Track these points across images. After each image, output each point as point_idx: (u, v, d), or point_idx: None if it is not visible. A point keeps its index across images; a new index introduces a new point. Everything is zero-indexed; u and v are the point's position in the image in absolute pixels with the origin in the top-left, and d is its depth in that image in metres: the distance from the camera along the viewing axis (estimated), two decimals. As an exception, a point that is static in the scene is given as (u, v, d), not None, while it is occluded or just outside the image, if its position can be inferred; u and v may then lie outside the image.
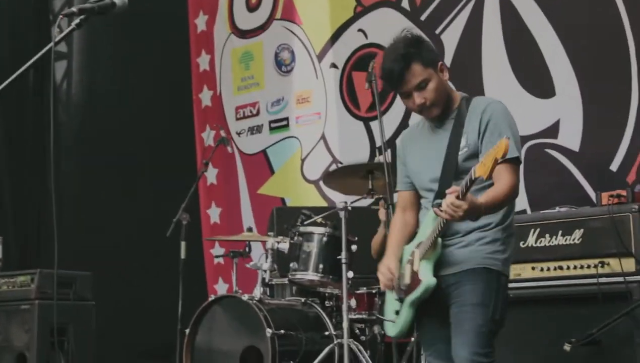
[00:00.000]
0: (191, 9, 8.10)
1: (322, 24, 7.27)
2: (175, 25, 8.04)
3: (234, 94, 7.78)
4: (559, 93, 5.79)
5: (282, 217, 5.92)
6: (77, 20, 2.97)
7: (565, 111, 5.72)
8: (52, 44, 2.98)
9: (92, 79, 8.17)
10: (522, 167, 3.44)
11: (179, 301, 5.74)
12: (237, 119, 7.73)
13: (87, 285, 6.16)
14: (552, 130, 5.73)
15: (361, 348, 4.77)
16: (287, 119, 7.41)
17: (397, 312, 3.52)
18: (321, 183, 7.01)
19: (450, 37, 6.34)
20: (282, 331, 4.80)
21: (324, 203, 6.84)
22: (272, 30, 7.58)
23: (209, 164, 6.43)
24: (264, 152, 7.52)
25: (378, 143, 6.70)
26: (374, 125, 6.75)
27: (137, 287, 7.24)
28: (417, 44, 3.44)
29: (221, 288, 7.38)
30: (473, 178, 3.07)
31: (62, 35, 3.08)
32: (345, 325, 4.66)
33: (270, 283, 5.23)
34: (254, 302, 4.89)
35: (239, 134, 7.69)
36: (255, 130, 7.59)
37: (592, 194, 5.41)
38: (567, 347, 4.19)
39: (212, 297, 5.12)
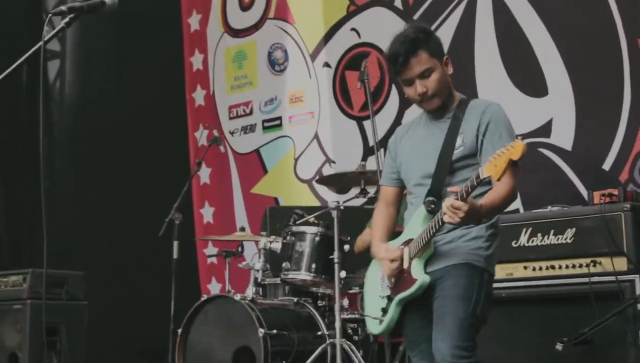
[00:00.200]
0: (184, 8, 8.10)
1: (315, 23, 7.27)
2: (168, 24, 8.03)
3: (227, 93, 7.78)
4: (551, 92, 5.79)
5: (275, 217, 5.92)
6: (66, 19, 2.97)
7: (557, 110, 5.73)
8: (42, 42, 2.98)
9: (85, 78, 8.15)
10: (515, 166, 3.44)
11: (171, 301, 5.73)
12: (231, 118, 7.73)
13: (80, 284, 6.15)
14: (545, 129, 5.73)
15: (354, 348, 4.76)
16: (280, 118, 7.41)
17: (384, 310, 3.51)
18: (314, 182, 7.01)
19: (443, 36, 6.14)
20: (275, 331, 4.79)
21: (317, 203, 6.85)
22: (265, 29, 7.57)
23: (202, 163, 6.43)
24: (257, 151, 7.52)
25: (371, 142, 6.70)
26: (367, 124, 6.75)
27: (129, 286, 7.23)
28: (426, 33, 3.48)
29: (214, 288, 7.38)
30: (482, 177, 3.06)
31: (51, 33, 3.09)
32: (337, 325, 4.64)
33: (262, 283, 5.21)
34: (247, 301, 4.88)
35: (232, 133, 7.68)
36: (249, 129, 7.59)
37: (584, 193, 5.40)
38: (559, 346, 4.19)
39: (204, 297, 5.10)
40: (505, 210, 3.53)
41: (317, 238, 4.98)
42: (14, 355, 5.78)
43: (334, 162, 7.00)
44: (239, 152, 7.62)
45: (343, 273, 4.74)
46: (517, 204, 5.60)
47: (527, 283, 4.52)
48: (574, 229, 4.41)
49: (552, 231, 4.47)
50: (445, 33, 6.31)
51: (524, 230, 4.55)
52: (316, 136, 7.15)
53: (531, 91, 5.88)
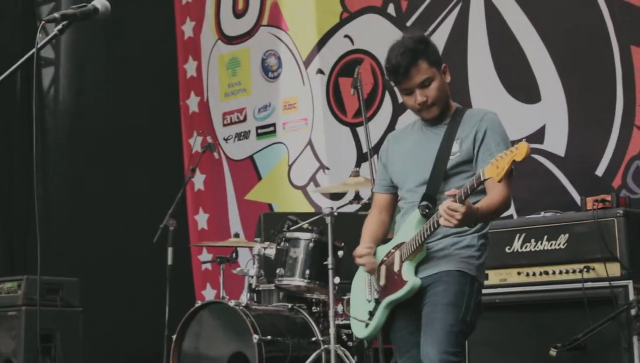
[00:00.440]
0: (178, 15, 8.11)
1: (308, 30, 7.29)
2: (162, 31, 8.05)
3: (221, 100, 7.79)
4: (544, 98, 5.82)
5: (270, 223, 5.92)
6: (60, 26, 2.97)
7: (550, 116, 5.75)
8: (35, 49, 2.98)
9: (80, 85, 8.16)
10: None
11: (166, 307, 5.73)
12: (224, 125, 7.74)
13: (75, 291, 6.15)
14: (538, 135, 5.75)
15: (348, 354, 4.77)
16: (274, 125, 7.42)
17: (371, 313, 3.51)
18: (308, 189, 7.02)
19: (436, 43, 6.29)
20: (269, 337, 4.79)
21: (311, 209, 6.85)
22: (259, 36, 7.59)
23: (195, 169, 6.44)
24: (251, 158, 7.52)
25: (365, 149, 6.71)
26: (361, 130, 6.76)
27: (124, 293, 7.23)
28: (425, 42, 3.49)
29: (209, 294, 7.38)
30: (482, 179, 3.09)
31: (45, 40, 3.08)
32: (332, 330, 4.66)
33: (257, 289, 5.22)
34: (241, 307, 4.89)
35: (226, 140, 7.69)
36: (243, 136, 7.60)
37: (577, 199, 5.41)
38: (552, 352, 4.20)
39: (199, 303, 5.11)
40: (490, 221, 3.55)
41: (311, 244, 4.99)
42: (9, 361, 5.78)
43: (327, 169, 7.01)
44: (233, 159, 7.63)
45: (337, 279, 4.76)
46: (510, 210, 5.59)
47: (520, 288, 4.52)
48: (567, 235, 4.41)
49: (545, 237, 4.47)
50: (438, 40, 6.31)
51: (518, 235, 4.55)
52: (310, 143, 7.16)
53: (524, 98, 5.90)
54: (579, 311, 4.24)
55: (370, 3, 6.85)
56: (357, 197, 5.29)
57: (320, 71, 7.16)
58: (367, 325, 3.54)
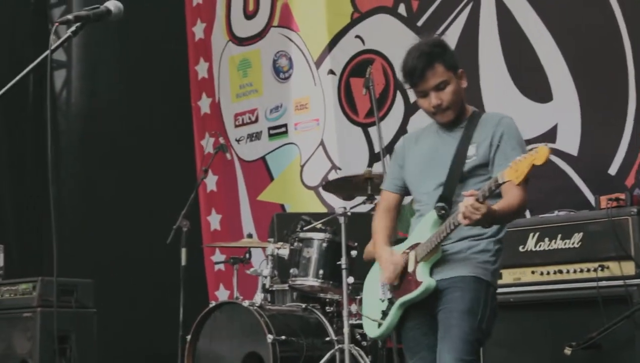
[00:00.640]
0: (189, 17, 8.14)
1: (319, 31, 7.30)
2: (173, 33, 8.07)
3: (233, 101, 7.81)
4: (556, 97, 5.81)
5: (282, 223, 5.94)
6: (73, 28, 2.97)
7: (563, 115, 5.74)
8: (48, 51, 2.98)
9: (92, 87, 8.18)
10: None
11: (180, 308, 5.74)
12: (236, 126, 7.76)
13: (89, 292, 6.17)
14: (550, 134, 5.74)
15: (362, 353, 4.78)
16: (285, 125, 7.43)
17: (384, 313, 3.52)
18: (321, 189, 7.03)
19: (447, 43, 6.35)
20: (283, 337, 4.81)
21: (324, 209, 6.86)
22: (270, 37, 7.60)
23: (208, 170, 6.45)
24: (263, 158, 7.54)
25: (377, 149, 6.72)
26: (373, 130, 6.77)
27: (138, 294, 7.25)
28: (442, 46, 3.52)
29: (222, 294, 7.39)
30: (501, 182, 3.11)
31: (58, 42, 3.08)
32: (346, 330, 4.67)
33: (270, 289, 5.24)
34: (255, 308, 4.90)
35: (238, 140, 7.71)
36: (254, 137, 7.62)
37: (590, 198, 5.43)
38: (567, 351, 4.20)
39: (212, 304, 5.13)
40: (506, 226, 3.55)
41: (325, 244, 5.00)
42: (24, 362, 5.80)
43: (339, 169, 7.02)
44: (245, 160, 7.65)
45: (351, 279, 4.76)
46: (523, 209, 5.62)
47: (534, 287, 4.52)
48: (581, 234, 4.41)
49: (559, 236, 4.47)
50: (449, 40, 6.21)
51: (532, 234, 4.55)
52: (322, 143, 7.17)
53: (536, 97, 5.90)
54: (594, 310, 4.24)
55: (381, 3, 6.85)
56: (370, 198, 5.28)
57: (331, 72, 7.17)
58: (379, 324, 3.55)
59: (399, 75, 3.55)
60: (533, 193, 5.40)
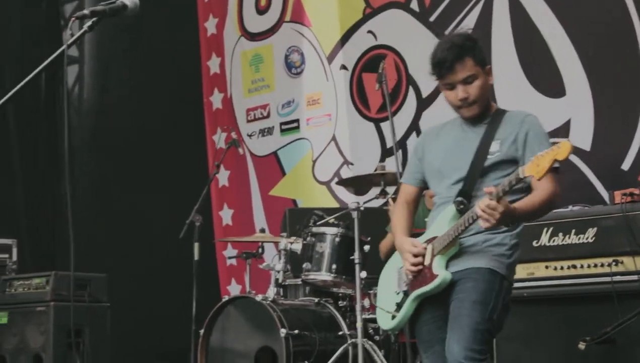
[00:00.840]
0: (201, 12, 8.15)
1: (331, 26, 7.30)
2: (185, 28, 8.08)
3: (245, 96, 7.82)
4: (569, 92, 5.80)
5: (295, 218, 5.95)
6: (89, 23, 2.97)
7: (576, 111, 5.74)
8: (64, 46, 2.98)
9: (104, 83, 8.20)
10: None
11: (192, 302, 5.76)
12: (248, 121, 7.77)
13: (102, 286, 6.18)
14: (563, 129, 5.73)
15: (375, 348, 4.78)
16: (297, 120, 7.44)
17: (398, 305, 3.52)
18: (332, 184, 7.04)
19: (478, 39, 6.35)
20: (296, 331, 4.81)
21: (336, 205, 6.87)
22: (282, 32, 7.61)
23: (220, 165, 6.45)
24: (275, 153, 7.55)
25: (389, 144, 6.73)
26: (385, 126, 6.77)
27: (151, 288, 7.27)
28: (473, 41, 3.52)
29: (234, 289, 7.41)
30: (521, 177, 3.10)
31: (74, 38, 3.08)
32: (359, 324, 4.68)
33: (283, 284, 5.24)
34: (268, 302, 4.91)
35: (250, 136, 7.73)
36: (266, 132, 7.62)
37: (604, 193, 5.43)
38: (581, 346, 4.19)
39: (226, 298, 5.14)
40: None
41: (337, 239, 5.01)
42: (38, 356, 5.82)
43: (351, 164, 7.03)
44: (257, 155, 7.66)
45: (364, 274, 4.76)
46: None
47: (548, 282, 4.51)
48: (595, 229, 4.40)
49: (573, 230, 4.45)
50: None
51: (545, 229, 4.53)
52: (334, 138, 7.18)
53: (549, 92, 5.89)
54: (608, 305, 4.23)
55: (393, -2, 6.86)
56: (383, 192, 5.29)
57: (343, 67, 7.17)
58: (393, 316, 3.55)
59: (427, 67, 3.54)
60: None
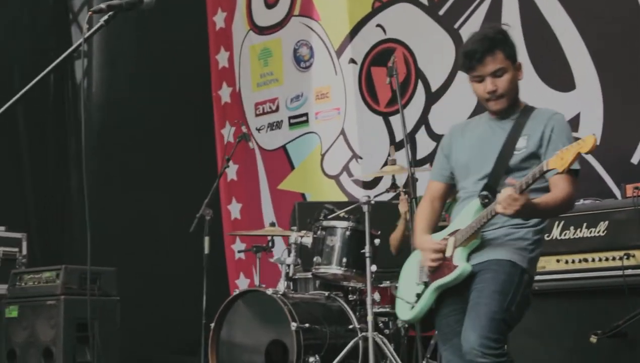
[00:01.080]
0: (209, 6, 8.15)
1: (340, 20, 7.30)
2: (194, 22, 8.08)
3: (253, 90, 7.83)
4: (579, 86, 5.80)
5: (304, 212, 5.96)
6: (105, 17, 2.98)
7: (585, 104, 5.73)
8: (82, 39, 3.00)
9: (112, 77, 8.20)
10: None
11: (202, 296, 5.76)
12: (257, 115, 7.77)
13: (112, 280, 6.20)
14: (573, 123, 5.71)
15: (385, 341, 4.77)
16: (306, 114, 7.44)
17: (418, 295, 3.52)
18: (341, 178, 7.04)
19: (469, 32, 6.31)
20: (307, 324, 4.81)
21: (344, 198, 6.87)
22: (291, 26, 7.62)
23: (230, 160, 6.46)
24: (283, 147, 7.56)
25: (397, 137, 6.73)
26: (393, 119, 6.77)
27: (159, 282, 7.28)
28: (504, 34, 3.50)
29: (242, 283, 7.42)
30: (545, 169, 3.12)
31: (91, 31, 3.10)
32: (369, 318, 4.67)
33: (293, 277, 5.24)
34: (278, 295, 4.91)
35: (258, 130, 7.73)
36: (275, 126, 7.63)
37: (613, 187, 5.43)
38: (593, 339, 4.20)
39: (236, 291, 5.14)
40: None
41: (348, 233, 5.00)
42: (48, 349, 5.84)
43: (360, 158, 7.03)
44: (266, 149, 7.66)
45: (374, 267, 4.77)
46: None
47: (560, 276, 4.51)
48: (607, 222, 4.40)
49: (584, 224, 4.46)
50: (471, 29, 6.28)
51: (557, 223, 4.53)
52: (342, 132, 7.18)
53: (558, 86, 5.89)
54: (619, 298, 4.24)
55: (402, -8, 6.85)
56: (393, 186, 5.29)
57: (352, 61, 7.17)
58: (412, 307, 3.55)
59: (458, 58, 3.53)
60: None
